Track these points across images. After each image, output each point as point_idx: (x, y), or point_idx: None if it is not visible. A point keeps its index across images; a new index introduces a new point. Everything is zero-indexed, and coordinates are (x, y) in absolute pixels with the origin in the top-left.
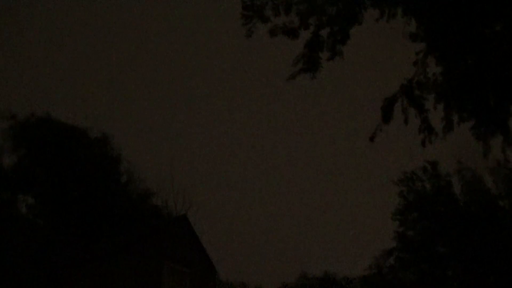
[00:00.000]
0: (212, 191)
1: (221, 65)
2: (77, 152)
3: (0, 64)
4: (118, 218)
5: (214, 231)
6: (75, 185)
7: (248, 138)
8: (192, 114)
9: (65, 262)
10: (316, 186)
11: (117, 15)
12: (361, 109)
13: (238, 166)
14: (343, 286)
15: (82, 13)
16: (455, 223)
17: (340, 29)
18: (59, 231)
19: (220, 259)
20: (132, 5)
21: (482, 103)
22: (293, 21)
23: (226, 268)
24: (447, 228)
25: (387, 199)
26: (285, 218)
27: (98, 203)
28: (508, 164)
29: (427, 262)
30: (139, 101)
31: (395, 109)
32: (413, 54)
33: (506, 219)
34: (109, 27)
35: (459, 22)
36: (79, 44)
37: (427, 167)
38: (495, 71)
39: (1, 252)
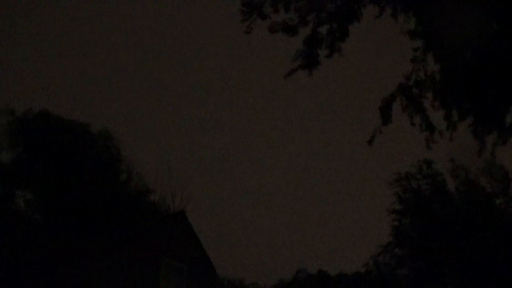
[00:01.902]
0: (210, 188)
1: (220, 62)
2: (77, 148)
3: None
4: (117, 214)
5: (212, 228)
6: (73, 181)
7: (246, 136)
8: (190, 110)
9: (63, 258)
10: (313, 184)
11: (116, 11)
12: (358, 106)
13: (235, 163)
14: (340, 283)
15: (82, 9)
16: (451, 220)
17: (339, 26)
18: (57, 227)
19: (217, 256)
20: (133, 1)
21: (480, 100)
22: (293, 18)
23: (223, 264)
24: (444, 225)
25: (383, 196)
26: (281, 215)
27: (96, 200)
28: (496, 160)
29: (424, 259)
30: (137, 97)
31: (393, 109)
32: (411, 52)
33: (502, 217)
34: (108, 23)
35: (458, 20)
36: (79, 39)
37: (422, 166)
38: (493, 68)
39: None
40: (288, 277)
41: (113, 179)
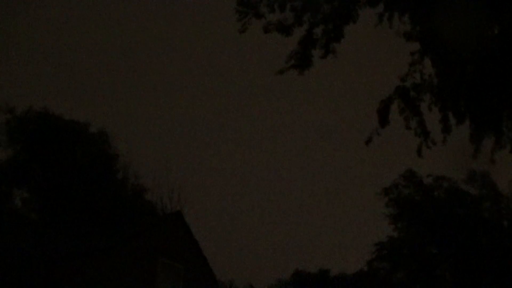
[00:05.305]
0: (207, 189)
1: (217, 61)
2: (74, 147)
3: None
4: (113, 213)
5: (209, 228)
6: (71, 180)
7: (243, 136)
8: (188, 110)
9: (59, 257)
10: (310, 184)
11: (114, 10)
12: (357, 107)
13: (233, 164)
14: (338, 283)
15: (81, 9)
16: (443, 224)
17: (334, 27)
18: (54, 226)
19: (214, 256)
20: (131, 1)
21: (477, 104)
22: (288, 18)
23: (220, 265)
24: (436, 229)
25: (380, 198)
26: (279, 216)
27: (93, 199)
28: (481, 167)
29: (417, 263)
30: (135, 97)
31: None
32: (409, 54)
33: (491, 219)
34: (106, 22)
35: (455, 23)
36: (79, 39)
37: (406, 175)
38: (491, 72)
39: None
40: (286, 277)
41: (110, 179)
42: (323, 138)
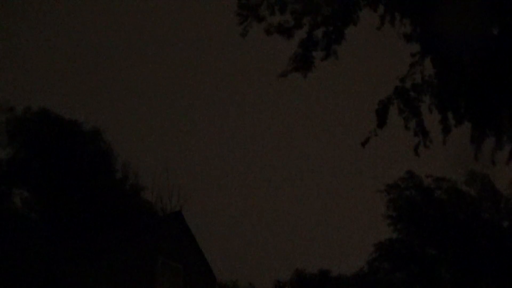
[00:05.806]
0: (207, 188)
1: (216, 62)
2: (74, 147)
3: None
4: (113, 213)
5: (209, 228)
6: (70, 180)
7: (243, 136)
8: (188, 110)
9: (59, 257)
10: (310, 184)
11: (112, 10)
12: (357, 108)
13: (233, 164)
14: (338, 284)
15: (79, 9)
16: (443, 225)
17: (335, 29)
18: (54, 226)
19: (214, 256)
20: (128, 1)
21: (476, 105)
22: (288, 21)
23: (220, 265)
24: (436, 230)
25: (382, 197)
26: (279, 216)
27: (93, 198)
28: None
29: (417, 263)
30: (134, 96)
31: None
32: (409, 55)
33: (491, 220)
34: (104, 22)
35: (455, 24)
36: (79, 38)
37: (405, 176)
38: (490, 73)
39: None
40: (286, 277)
41: (109, 178)
42: (323, 138)
